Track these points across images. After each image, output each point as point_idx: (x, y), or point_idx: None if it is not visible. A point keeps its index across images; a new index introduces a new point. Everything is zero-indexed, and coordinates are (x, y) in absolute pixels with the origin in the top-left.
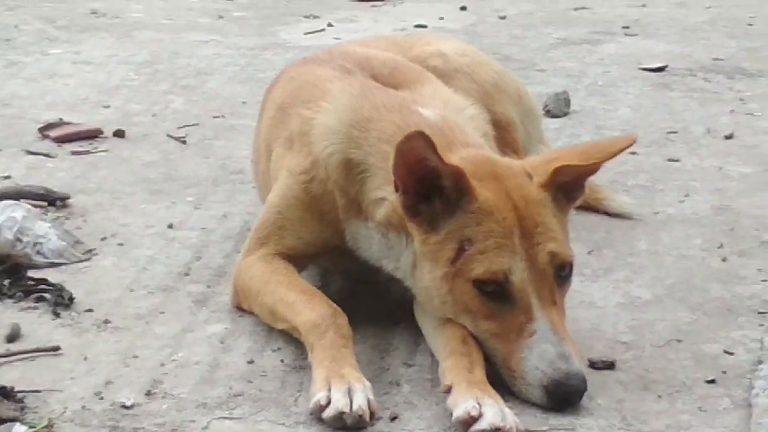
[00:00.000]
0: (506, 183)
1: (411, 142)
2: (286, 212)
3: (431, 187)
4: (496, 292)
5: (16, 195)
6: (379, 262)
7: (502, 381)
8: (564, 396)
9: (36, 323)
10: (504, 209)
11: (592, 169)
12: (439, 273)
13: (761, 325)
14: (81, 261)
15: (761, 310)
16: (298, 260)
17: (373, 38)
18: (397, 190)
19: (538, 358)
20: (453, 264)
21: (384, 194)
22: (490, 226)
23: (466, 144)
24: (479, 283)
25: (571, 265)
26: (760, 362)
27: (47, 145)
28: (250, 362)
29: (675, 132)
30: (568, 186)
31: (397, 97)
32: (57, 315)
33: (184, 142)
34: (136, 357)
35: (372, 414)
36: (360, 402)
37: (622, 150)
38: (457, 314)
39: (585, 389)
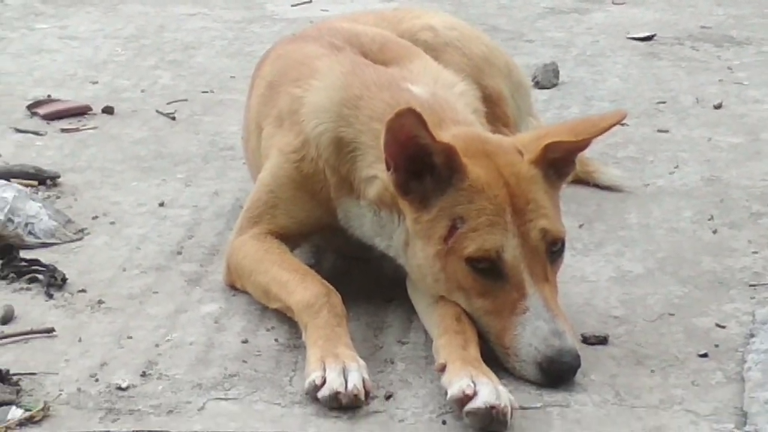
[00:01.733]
0: (497, 160)
1: (401, 119)
2: (278, 191)
3: (422, 164)
4: (488, 270)
5: (6, 174)
6: (371, 240)
7: (496, 358)
8: (558, 372)
9: (29, 305)
10: (495, 186)
11: (583, 145)
12: (431, 251)
13: (752, 297)
14: (73, 241)
15: (752, 283)
16: (290, 239)
17: (362, 13)
18: (388, 168)
19: (531, 335)
20: (445, 242)
21: (375, 172)
22: (482, 204)
23: (457, 121)
24: (472, 261)
25: (563, 242)
26: (752, 335)
27: (36, 123)
28: (245, 342)
29: (664, 102)
30: (559, 162)
31: (387, 74)
32: (50, 296)
33: (173, 118)
34: (130, 338)
35: (367, 393)
36: (355, 381)
37: (612, 125)
38: (450, 292)
39: (578, 365)
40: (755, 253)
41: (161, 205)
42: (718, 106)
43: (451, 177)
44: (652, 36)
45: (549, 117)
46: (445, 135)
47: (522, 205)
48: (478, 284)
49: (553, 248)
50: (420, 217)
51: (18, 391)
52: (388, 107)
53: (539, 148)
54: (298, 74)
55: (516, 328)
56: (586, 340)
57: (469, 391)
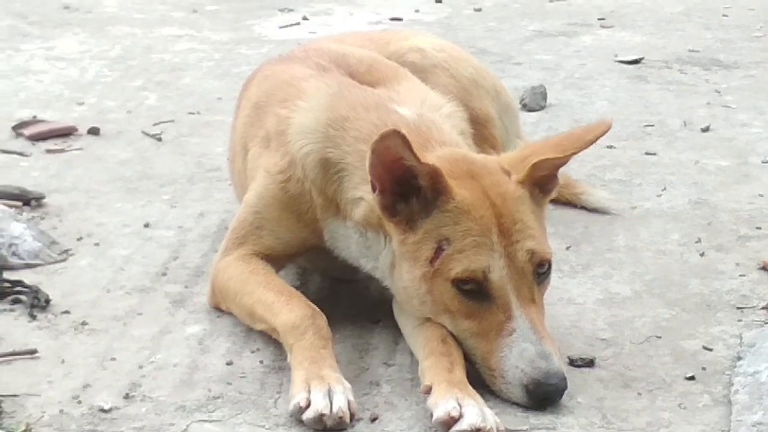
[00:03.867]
0: (483, 181)
1: (386, 141)
2: (264, 212)
3: (408, 186)
4: (475, 291)
5: None
6: (357, 262)
7: (482, 380)
8: (544, 395)
9: (12, 326)
10: (481, 207)
11: (569, 159)
12: (417, 272)
13: (740, 320)
14: (57, 262)
15: (739, 306)
16: (276, 260)
17: (350, 34)
18: (374, 190)
19: (517, 357)
20: (431, 263)
21: (362, 194)
22: (468, 225)
23: (443, 142)
24: (458, 282)
25: (549, 263)
26: (740, 358)
27: (21, 144)
28: (229, 363)
29: (652, 125)
30: (544, 179)
31: (374, 95)
32: (33, 317)
33: (159, 139)
34: (113, 359)
35: (352, 415)
36: (340, 403)
37: (597, 138)
38: (436, 313)
39: (565, 388)
40: (742, 275)
41: (146, 226)
42: (705, 129)
43: (436, 199)
44: (640, 59)
45: (537, 139)
46: (431, 156)
47: (509, 226)
48: (465, 306)
49: (540, 270)
50: (406, 238)
51: (0, 413)
52: (374, 128)
53: (526, 168)
54: (285, 95)
55: (502, 350)
56: (572, 363)
57: (454, 414)
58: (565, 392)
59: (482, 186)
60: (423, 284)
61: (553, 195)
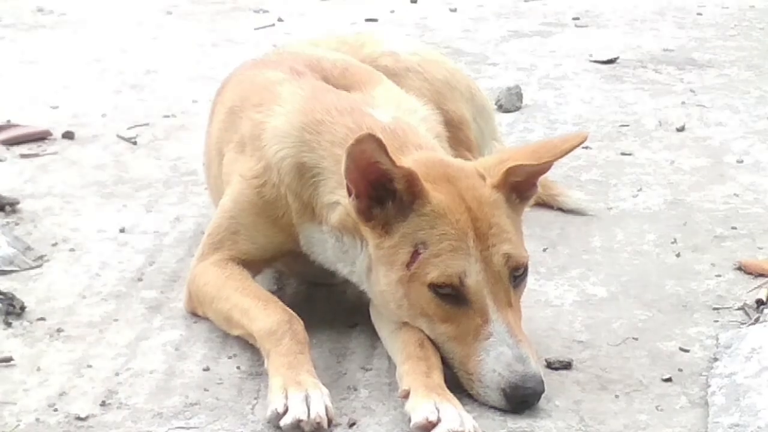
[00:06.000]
0: (459, 185)
1: (362, 145)
2: (239, 217)
3: (384, 190)
4: (451, 295)
5: None
6: (334, 266)
7: (459, 384)
8: (521, 398)
9: None
10: (457, 211)
11: (545, 168)
12: (394, 277)
13: (716, 321)
14: (32, 268)
15: (716, 306)
16: (252, 265)
17: (324, 37)
18: (350, 194)
19: (494, 361)
20: (408, 267)
21: (337, 198)
22: (444, 229)
23: (419, 146)
24: (434, 286)
25: (526, 267)
26: (716, 359)
27: None
28: (206, 370)
29: (627, 125)
30: (521, 186)
31: (349, 99)
32: (8, 324)
33: (134, 143)
34: (90, 367)
35: (330, 421)
36: (317, 409)
37: (573, 148)
38: (413, 318)
39: (542, 391)
40: (718, 276)
41: (122, 231)
42: (680, 129)
43: (412, 202)
44: (615, 59)
45: (513, 140)
46: (407, 160)
47: (484, 230)
48: (441, 310)
49: (516, 273)
50: (382, 242)
51: None
52: (349, 132)
53: (501, 173)
54: (260, 99)
55: (479, 353)
56: (550, 365)
57: (432, 418)
58: (543, 395)
59: (458, 190)
60: (399, 288)
61: (532, 202)
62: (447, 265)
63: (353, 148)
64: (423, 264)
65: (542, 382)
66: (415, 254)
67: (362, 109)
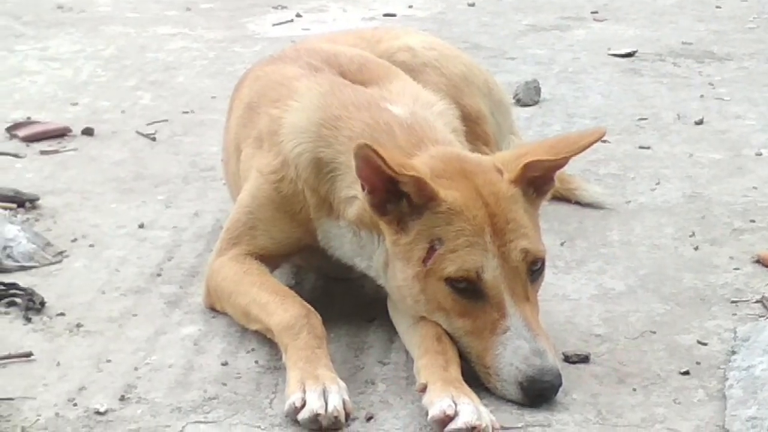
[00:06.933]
0: (476, 180)
1: (363, 152)
2: (257, 212)
3: (396, 188)
4: (468, 290)
5: None
6: (351, 261)
7: (477, 378)
8: (539, 392)
9: (7, 329)
10: (474, 207)
11: (562, 163)
12: (410, 272)
13: (734, 314)
14: (52, 264)
15: (734, 299)
16: (270, 260)
17: (341, 33)
18: (363, 189)
19: (512, 355)
20: (424, 263)
21: (354, 192)
22: (461, 225)
23: (436, 141)
24: (451, 281)
25: (543, 261)
26: (734, 352)
27: (15, 145)
28: (225, 364)
29: (645, 119)
30: (538, 180)
31: (366, 94)
32: (28, 320)
33: (153, 139)
34: (109, 361)
35: (347, 414)
36: (335, 403)
37: (591, 144)
38: (430, 312)
39: (560, 384)
40: (737, 269)
41: (141, 226)
42: (699, 122)
43: (425, 203)
44: (634, 52)
45: (531, 134)
46: (423, 156)
47: (502, 225)
48: (459, 305)
49: (534, 267)
50: (399, 238)
51: None
52: (367, 127)
53: (518, 167)
54: (277, 95)
55: (497, 347)
56: (567, 359)
57: (450, 412)
58: (560, 389)
59: (475, 185)
60: (416, 284)
61: (549, 196)
62: (464, 261)
63: (359, 151)
64: (439, 259)
65: (560, 375)
66: (431, 250)
67: (379, 104)
